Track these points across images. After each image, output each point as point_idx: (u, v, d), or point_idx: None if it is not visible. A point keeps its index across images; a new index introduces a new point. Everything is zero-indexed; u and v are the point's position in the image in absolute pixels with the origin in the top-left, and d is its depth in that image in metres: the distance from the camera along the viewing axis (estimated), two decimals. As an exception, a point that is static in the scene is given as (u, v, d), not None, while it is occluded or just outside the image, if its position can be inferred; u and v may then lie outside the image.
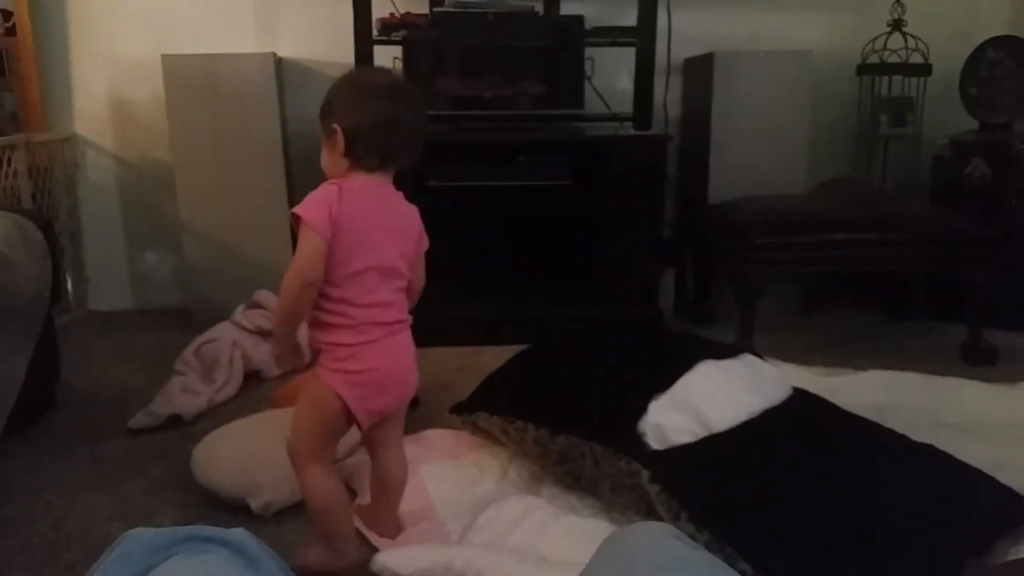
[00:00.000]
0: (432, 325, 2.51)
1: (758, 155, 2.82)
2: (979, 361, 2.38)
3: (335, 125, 1.35)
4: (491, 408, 1.75)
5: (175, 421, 1.99)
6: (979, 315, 2.42)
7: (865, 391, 2.05)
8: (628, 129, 2.65)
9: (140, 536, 0.59)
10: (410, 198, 1.41)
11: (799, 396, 1.70)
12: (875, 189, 2.96)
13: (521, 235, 2.81)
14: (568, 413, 1.61)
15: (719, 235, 2.57)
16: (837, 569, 1.25)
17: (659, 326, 2.64)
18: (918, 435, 1.60)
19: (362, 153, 1.35)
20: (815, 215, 2.47)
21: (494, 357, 2.01)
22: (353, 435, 1.58)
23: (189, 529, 0.60)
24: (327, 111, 1.38)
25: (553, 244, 2.82)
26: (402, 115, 1.36)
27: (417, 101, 1.40)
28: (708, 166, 2.83)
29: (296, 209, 1.29)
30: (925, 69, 2.93)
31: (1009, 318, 2.62)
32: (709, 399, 1.54)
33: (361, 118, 1.34)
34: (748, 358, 1.72)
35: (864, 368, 2.22)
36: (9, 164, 2.57)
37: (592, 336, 1.96)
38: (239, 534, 0.60)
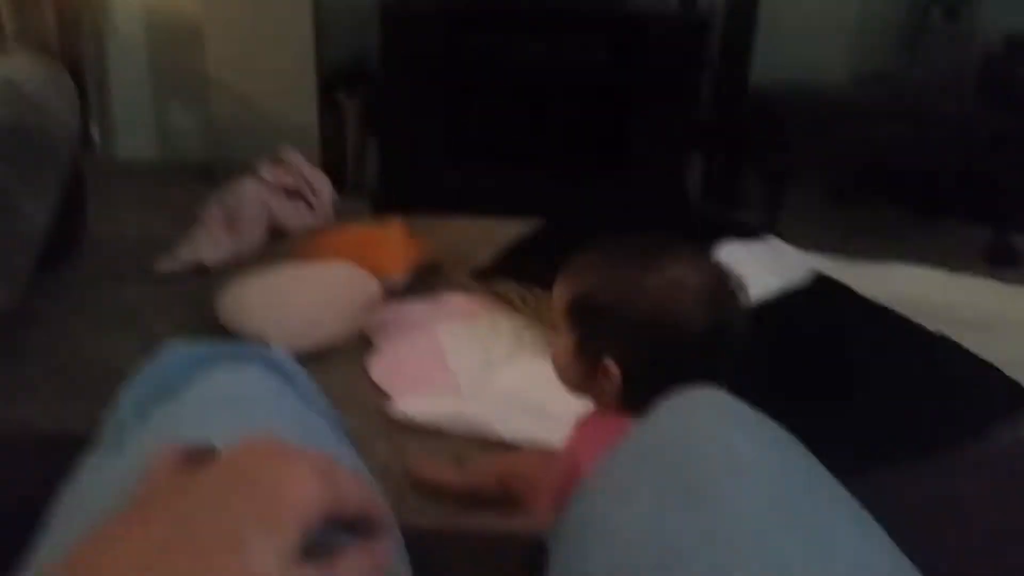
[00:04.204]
0: (453, 191, 2.54)
1: (804, 41, 2.74)
2: (1001, 262, 2.36)
3: (607, 359, 0.87)
4: (510, 274, 1.77)
5: (200, 271, 2.02)
6: (1007, 217, 2.39)
7: (885, 283, 2.03)
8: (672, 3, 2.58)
9: (179, 348, 0.58)
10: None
11: (818, 280, 1.70)
12: (918, 84, 2.86)
13: (553, 110, 2.76)
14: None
15: (755, 118, 2.52)
16: (834, 449, 1.28)
17: (685, 206, 2.62)
18: (933, 328, 1.61)
19: (644, 395, 0.77)
20: (852, 106, 2.41)
21: (515, 231, 2.02)
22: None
23: (229, 346, 0.59)
24: (586, 321, 0.89)
25: (585, 120, 2.76)
26: (724, 329, 0.88)
27: (742, 298, 0.91)
28: (752, 48, 2.74)
29: None
30: (988, -42, 2.78)
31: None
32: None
33: (656, 348, 0.86)
34: (772, 240, 1.72)
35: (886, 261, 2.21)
36: (37, 6, 2.53)
37: (615, 212, 1.95)
38: (276, 352, 0.59)
